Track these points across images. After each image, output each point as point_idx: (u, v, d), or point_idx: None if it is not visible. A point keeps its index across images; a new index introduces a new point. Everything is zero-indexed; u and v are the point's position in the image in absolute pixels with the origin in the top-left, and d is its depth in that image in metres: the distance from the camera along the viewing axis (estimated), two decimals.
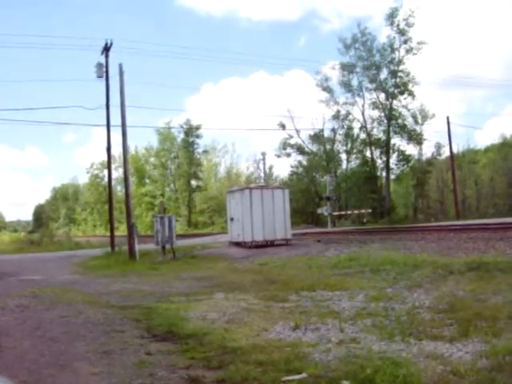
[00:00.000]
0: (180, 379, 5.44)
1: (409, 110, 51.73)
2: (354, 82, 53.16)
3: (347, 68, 52.45)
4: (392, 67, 51.14)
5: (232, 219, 25.25)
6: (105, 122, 28.15)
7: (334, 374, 5.28)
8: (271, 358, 5.98)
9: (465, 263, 12.48)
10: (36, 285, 14.69)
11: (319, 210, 48.22)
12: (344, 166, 57.99)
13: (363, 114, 53.06)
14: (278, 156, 58.51)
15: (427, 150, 55.31)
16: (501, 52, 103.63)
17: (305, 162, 59.28)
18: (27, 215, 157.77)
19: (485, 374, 5.09)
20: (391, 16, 50.33)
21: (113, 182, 34.13)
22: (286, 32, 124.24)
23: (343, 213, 50.40)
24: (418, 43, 49.88)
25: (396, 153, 52.72)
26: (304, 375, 5.29)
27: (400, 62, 50.76)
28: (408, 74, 50.75)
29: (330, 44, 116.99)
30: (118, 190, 72.00)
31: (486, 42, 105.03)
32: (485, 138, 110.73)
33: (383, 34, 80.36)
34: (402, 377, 4.89)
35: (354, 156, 56.53)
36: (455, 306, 8.32)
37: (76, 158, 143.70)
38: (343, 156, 58.09)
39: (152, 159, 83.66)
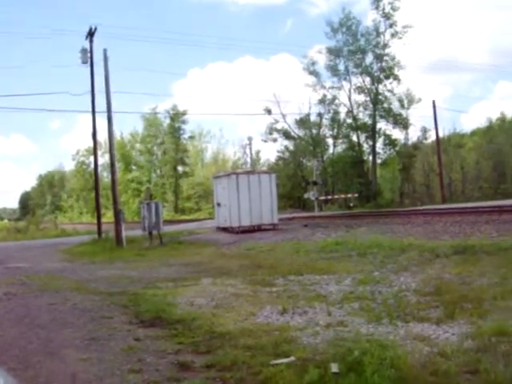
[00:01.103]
0: (169, 364, 5.46)
1: (394, 95, 51.77)
2: (341, 67, 53.09)
3: (334, 52, 52.29)
4: (377, 51, 51.04)
5: (219, 204, 25.25)
6: (90, 109, 27.97)
7: (322, 357, 5.32)
8: (259, 342, 6.01)
9: (451, 246, 12.58)
10: (23, 272, 14.64)
11: (306, 195, 48.25)
12: (330, 150, 58.03)
13: (350, 98, 53.06)
14: (265, 141, 58.46)
15: (413, 135, 55.43)
16: (487, 35, 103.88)
17: (291, 147, 59.26)
18: (13, 203, 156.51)
19: (471, 354, 5.15)
20: (376, 0, 50.19)
21: (99, 169, 33.84)
22: (273, 16, 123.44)
23: (330, 197, 50.53)
24: (404, 27, 49.76)
25: (382, 137, 52.82)
26: (292, 358, 5.32)
27: (385, 46, 50.67)
28: (393, 58, 50.69)
29: (317, 28, 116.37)
30: (105, 176, 71.54)
31: (472, 26, 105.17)
32: (471, 121, 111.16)
33: (369, 18, 79.99)
34: (390, 359, 4.93)
35: (340, 140, 56.51)
36: (441, 289, 8.40)
37: (62, 144, 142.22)
38: (330, 140, 58.10)
39: (138, 145, 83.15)
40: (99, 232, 27.51)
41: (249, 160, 55.23)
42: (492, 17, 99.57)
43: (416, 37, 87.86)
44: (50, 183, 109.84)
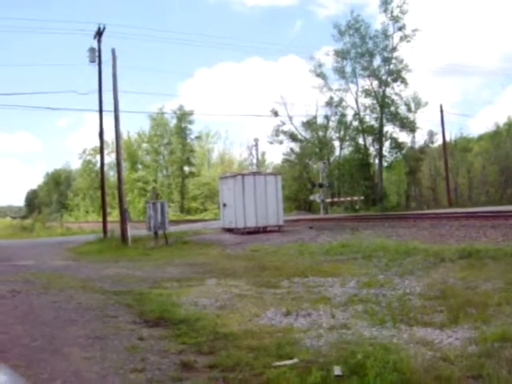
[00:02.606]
0: (172, 364, 5.47)
1: (401, 98, 51.68)
2: (348, 69, 53.01)
3: (341, 54, 52.22)
4: (385, 54, 50.98)
5: (224, 205, 25.25)
6: (97, 107, 28.02)
7: (325, 360, 5.32)
8: (263, 344, 6.02)
9: (456, 251, 12.54)
10: (28, 270, 14.68)
11: (312, 197, 48.23)
12: (337, 152, 57.92)
13: (356, 101, 52.95)
14: (271, 143, 58.38)
15: (420, 138, 55.28)
16: (497, 40, 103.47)
17: (297, 149, 59.17)
18: (19, 200, 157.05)
19: (474, 359, 5.14)
20: (385, 3, 50.06)
21: (105, 168, 34.00)
22: (282, 17, 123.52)
23: (336, 200, 50.46)
24: (412, 30, 49.70)
25: (389, 140, 52.73)
26: (295, 360, 5.33)
27: (394, 49, 50.59)
28: (401, 61, 50.63)
29: (326, 30, 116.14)
30: (111, 175, 71.80)
31: (482, 30, 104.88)
32: (478, 126, 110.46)
33: (379, 21, 79.93)
34: (393, 362, 4.93)
35: (346, 143, 56.43)
36: (446, 293, 8.39)
37: (68, 143, 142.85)
38: (336, 143, 58.01)
39: (144, 145, 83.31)
40: (105, 231, 27.57)
41: (255, 161, 55.08)
42: (502, 21, 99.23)
43: (426, 40, 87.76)
44: (57, 182, 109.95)
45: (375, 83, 51.90)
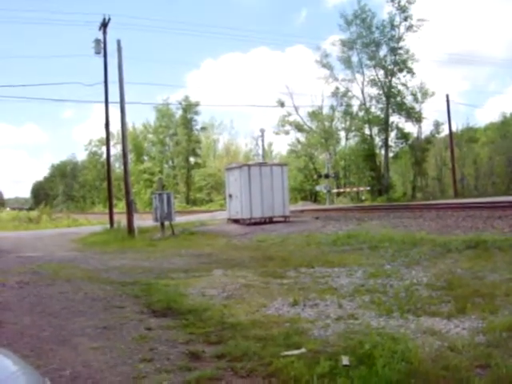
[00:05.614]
0: (180, 354, 5.49)
1: (408, 88, 51.48)
2: (354, 59, 52.83)
3: (347, 44, 52.03)
4: (392, 44, 50.78)
5: (230, 196, 25.24)
6: (103, 99, 28.03)
7: (333, 350, 5.33)
8: (270, 334, 6.03)
9: (463, 241, 12.51)
10: (35, 261, 14.73)
11: (318, 188, 48.32)
12: (343, 143, 57.91)
13: (362, 91, 52.78)
14: (277, 133, 58.41)
15: (426, 128, 55.14)
16: (506, 29, 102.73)
17: (303, 140, 59.15)
18: (25, 192, 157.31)
19: (482, 349, 5.14)
20: None
21: (111, 159, 34.00)
22: (288, 6, 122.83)
23: (342, 190, 50.47)
24: (419, 20, 49.51)
25: (395, 131, 52.58)
26: (303, 350, 5.34)
27: (400, 39, 50.39)
28: (408, 52, 50.47)
29: (333, 19, 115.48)
30: (117, 166, 71.99)
31: (490, 19, 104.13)
32: (485, 116, 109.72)
33: (385, 11, 79.62)
34: (400, 352, 4.94)
35: (352, 133, 56.38)
36: (453, 284, 8.38)
37: (74, 134, 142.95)
38: (342, 133, 57.99)
39: (150, 136, 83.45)
40: (111, 222, 27.62)
41: (260, 152, 55.05)
42: (511, 10, 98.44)
43: (433, 30, 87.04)
44: (63, 173, 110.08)
45: (381, 73, 51.79)
